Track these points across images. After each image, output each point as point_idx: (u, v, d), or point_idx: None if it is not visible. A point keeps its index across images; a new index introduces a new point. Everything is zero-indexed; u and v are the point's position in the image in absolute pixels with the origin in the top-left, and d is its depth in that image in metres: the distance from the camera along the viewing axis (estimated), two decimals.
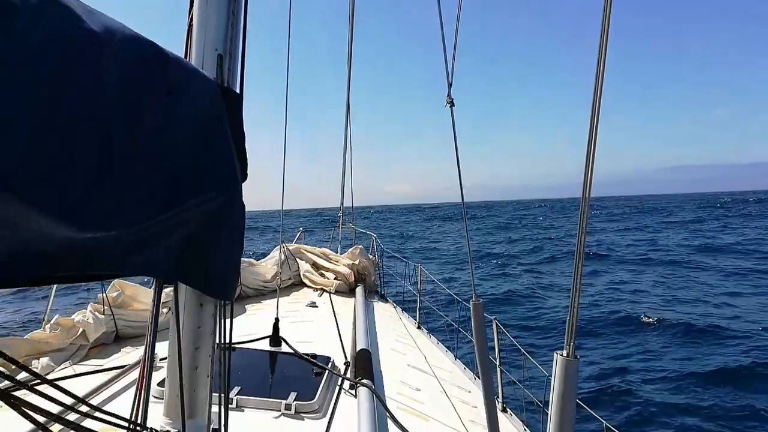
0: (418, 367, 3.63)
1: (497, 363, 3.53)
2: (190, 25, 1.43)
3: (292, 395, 2.44)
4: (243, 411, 2.33)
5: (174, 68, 1.10)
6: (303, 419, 2.34)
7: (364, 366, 2.84)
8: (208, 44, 1.38)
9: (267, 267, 6.71)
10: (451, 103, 1.56)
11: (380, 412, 2.44)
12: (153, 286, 1.35)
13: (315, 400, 2.44)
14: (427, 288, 6.89)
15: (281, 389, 2.52)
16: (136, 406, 1.39)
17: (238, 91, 1.45)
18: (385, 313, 6.08)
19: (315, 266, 7.49)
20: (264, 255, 7.64)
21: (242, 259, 6.36)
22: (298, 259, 7.46)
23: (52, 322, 3.26)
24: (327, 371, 2.80)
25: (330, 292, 6.59)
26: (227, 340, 1.59)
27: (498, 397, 3.51)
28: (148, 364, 1.37)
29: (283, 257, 7.19)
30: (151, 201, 1.05)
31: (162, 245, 1.16)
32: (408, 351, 4.13)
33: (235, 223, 1.38)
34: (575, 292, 1.41)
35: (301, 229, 9.24)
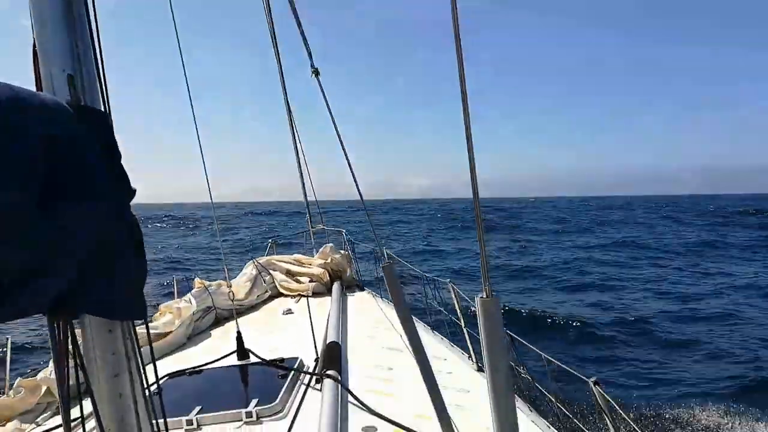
0: (392, 347, 3.63)
1: (462, 323, 3.55)
2: (35, 51, 1.39)
3: (254, 402, 2.42)
4: (201, 429, 2.30)
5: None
6: (263, 423, 2.32)
7: (332, 358, 2.83)
8: (54, 66, 1.33)
9: (239, 285, 6.64)
10: (317, 73, 1.54)
11: (345, 399, 2.43)
12: (48, 324, 1.31)
13: (277, 402, 2.42)
14: (403, 271, 6.89)
15: (244, 399, 2.50)
16: None
17: (102, 109, 1.41)
18: (363, 303, 6.07)
19: (289, 274, 7.45)
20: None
21: (211, 282, 6.30)
22: (271, 271, 7.41)
23: (15, 385, 3.17)
24: (292, 371, 2.79)
25: (308, 296, 6.56)
26: (152, 361, 1.56)
27: (471, 357, 3.53)
28: (64, 410, 1.34)
29: (255, 272, 7.13)
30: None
31: (40, 277, 1.12)
32: (383, 334, 4.13)
33: (121, 241, 1.34)
34: (480, 235, 1.43)
35: (270, 240, 9.16)
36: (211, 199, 3.21)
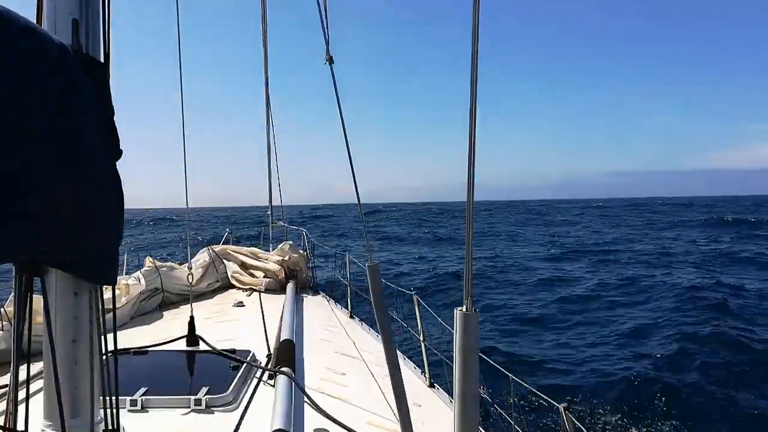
0: (345, 353, 3.58)
1: (421, 338, 3.55)
2: None
3: (203, 390, 2.33)
4: (147, 411, 2.19)
5: (14, 30, 1.00)
6: (214, 413, 2.24)
7: (286, 355, 2.76)
8: (60, 9, 1.27)
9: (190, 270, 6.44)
10: (330, 60, 1.52)
11: (299, 398, 2.38)
12: (13, 274, 1.23)
13: (228, 392, 2.34)
14: (358, 277, 6.83)
15: (193, 386, 2.41)
16: (6, 410, 1.28)
17: (102, 59, 1.35)
18: (317, 305, 5.99)
19: (243, 266, 7.27)
20: None
21: (163, 263, 6.09)
22: (225, 261, 7.22)
23: None
24: (245, 364, 2.71)
25: (260, 291, 6.42)
26: (113, 332, 1.49)
27: (425, 373, 3.52)
28: (14, 362, 1.26)
29: (208, 259, 6.93)
30: None
31: (18, 227, 1.06)
32: (336, 339, 4.07)
33: (106, 200, 1.28)
34: (469, 247, 1.41)
35: (228, 230, 8.95)
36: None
